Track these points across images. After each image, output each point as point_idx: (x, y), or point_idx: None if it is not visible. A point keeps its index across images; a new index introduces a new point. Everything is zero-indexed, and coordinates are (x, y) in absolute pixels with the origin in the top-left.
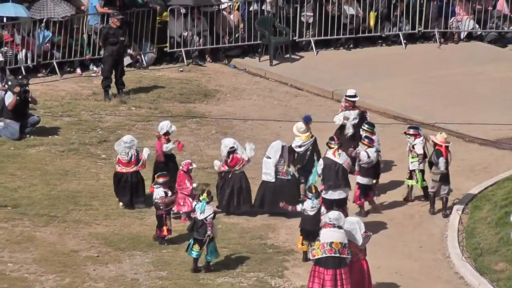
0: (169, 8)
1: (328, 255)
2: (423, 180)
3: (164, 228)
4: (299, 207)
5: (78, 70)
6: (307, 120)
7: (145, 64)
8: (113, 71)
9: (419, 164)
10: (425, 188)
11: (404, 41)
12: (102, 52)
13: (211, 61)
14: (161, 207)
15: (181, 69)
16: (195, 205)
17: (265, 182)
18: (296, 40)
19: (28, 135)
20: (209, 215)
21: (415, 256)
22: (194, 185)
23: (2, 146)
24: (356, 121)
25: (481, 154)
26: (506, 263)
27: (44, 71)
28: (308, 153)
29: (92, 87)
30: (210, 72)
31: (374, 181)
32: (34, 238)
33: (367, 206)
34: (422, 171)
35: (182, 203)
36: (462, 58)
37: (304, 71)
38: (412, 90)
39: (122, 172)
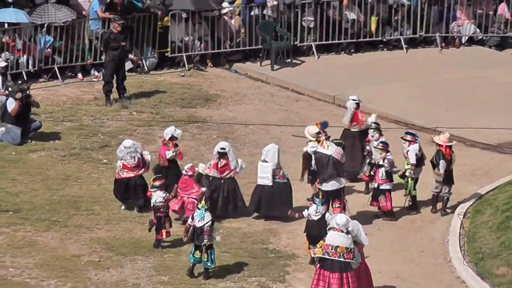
0: (170, 13)
1: (332, 258)
2: (414, 188)
3: (163, 231)
4: (305, 213)
5: (80, 75)
6: (325, 126)
7: (146, 69)
8: (115, 76)
9: (410, 172)
10: (413, 197)
11: (405, 46)
12: (103, 57)
13: (212, 66)
14: (162, 210)
15: (182, 74)
16: (194, 212)
17: (261, 186)
18: (297, 45)
19: (29, 140)
20: (207, 222)
21: (416, 261)
22: (203, 189)
23: (3, 151)
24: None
25: (482, 159)
26: (507, 267)
27: (45, 76)
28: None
29: (93, 92)
30: (212, 77)
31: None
32: (35, 243)
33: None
34: (416, 179)
35: (191, 208)
36: (463, 63)
37: (305, 76)
38: (413, 95)
39: (128, 178)
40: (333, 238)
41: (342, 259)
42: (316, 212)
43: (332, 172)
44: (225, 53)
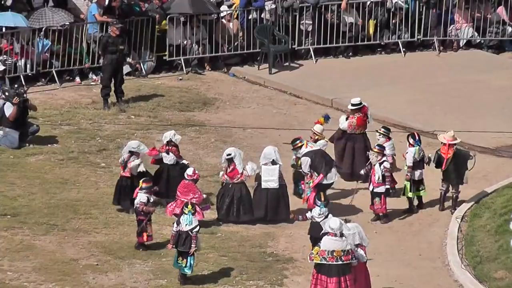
0: (168, 17)
1: (330, 263)
2: (417, 190)
3: (144, 234)
4: (308, 215)
5: (77, 79)
6: (328, 118)
7: (144, 72)
8: (113, 79)
9: (408, 174)
10: (409, 199)
11: (403, 49)
12: (101, 60)
13: (210, 69)
14: (142, 213)
15: (180, 78)
16: (180, 217)
17: (267, 190)
18: (295, 48)
19: (27, 144)
20: (195, 227)
21: (414, 264)
22: (204, 195)
23: (1, 155)
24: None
25: (480, 162)
26: (505, 271)
27: (43, 79)
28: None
29: (91, 95)
30: (209, 81)
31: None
32: (33, 246)
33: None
34: (416, 181)
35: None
36: (461, 66)
37: (303, 79)
38: (411, 98)
39: (121, 176)
40: (328, 244)
41: (340, 262)
42: (320, 214)
43: (328, 164)
44: (223, 57)
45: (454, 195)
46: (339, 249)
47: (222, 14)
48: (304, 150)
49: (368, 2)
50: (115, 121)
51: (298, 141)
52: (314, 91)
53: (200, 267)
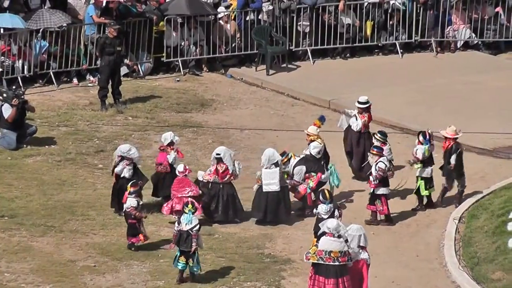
0: (165, 18)
1: (327, 263)
2: (425, 188)
3: (141, 235)
4: (314, 211)
5: (75, 80)
6: (323, 120)
7: (141, 73)
8: (110, 81)
9: (419, 171)
10: (420, 197)
11: (401, 50)
12: (98, 62)
13: (207, 70)
14: (133, 216)
15: (178, 79)
16: (180, 217)
17: (266, 193)
18: (293, 50)
19: (25, 145)
20: (195, 226)
21: (412, 265)
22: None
23: None
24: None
25: (478, 163)
26: (503, 272)
27: (40, 81)
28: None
29: (88, 97)
30: (207, 82)
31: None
32: (31, 248)
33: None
34: (427, 179)
35: None
36: (458, 67)
37: (300, 81)
38: (409, 99)
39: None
40: (326, 244)
41: (337, 263)
42: (326, 211)
43: (320, 164)
44: (221, 58)
45: (460, 190)
46: (337, 250)
47: (219, 15)
48: (293, 161)
49: (366, 3)
50: (112, 123)
51: (284, 157)
52: (312, 93)
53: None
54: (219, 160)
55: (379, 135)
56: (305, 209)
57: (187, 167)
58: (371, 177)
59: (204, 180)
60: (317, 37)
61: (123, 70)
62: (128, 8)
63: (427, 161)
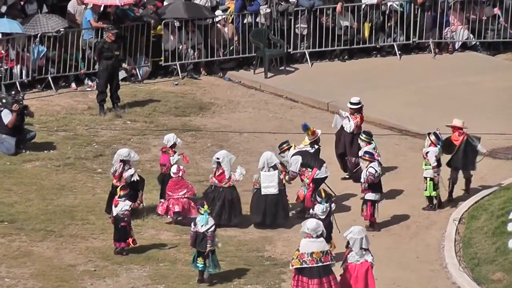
0: (163, 22)
1: (310, 265)
2: (434, 189)
3: (130, 239)
4: (311, 211)
5: (73, 85)
6: (306, 127)
7: (140, 78)
8: (108, 85)
9: (436, 174)
10: (430, 197)
11: (399, 52)
12: (97, 66)
13: (206, 74)
14: (125, 219)
15: (176, 83)
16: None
17: (265, 196)
18: (291, 52)
19: (24, 150)
20: (211, 227)
21: (412, 267)
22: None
23: None
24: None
25: (477, 164)
26: (503, 272)
27: (39, 86)
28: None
29: (87, 101)
30: (205, 85)
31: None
32: (31, 253)
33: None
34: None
35: (187, 208)
36: (457, 68)
37: (299, 83)
38: (407, 101)
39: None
40: (307, 246)
41: (320, 264)
42: (323, 212)
43: (319, 159)
44: (219, 61)
45: (466, 179)
46: (318, 250)
47: (217, 19)
48: (292, 152)
49: (363, 5)
50: (111, 127)
51: (285, 144)
52: (310, 95)
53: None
54: (218, 164)
55: (364, 135)
56: (305, 212)
57: (181, 168)
58: (363, 185)
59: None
60: (315, 39)
61: (122, 74)
62: (125, 12)
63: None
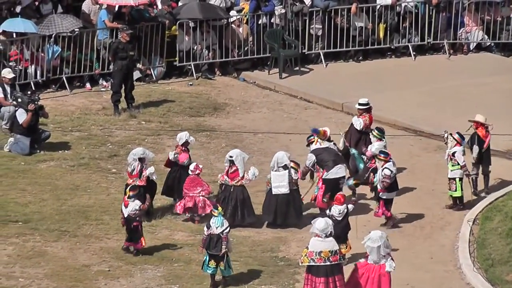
0: (178, 22)
1: (318, 264)
2: (462, 188)
3: (142, 239)
4: (328, 212)
5: (88, 85)
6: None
7: (154, 78)
8: (123, 85)
9: (466, 173)
10: (460, 198)
11: (413, 53)
12: (111, 66)
13: (220, 74)
14: (137, 218)
15: (191, 83)
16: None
17: (276, 196)
18: (305, 53)
19: (38, 151)
20: (226, 228)
21: (426, 268)
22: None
23: (12, 161)
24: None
25: (491, 165)
26: None
27: (53, 86)
28: None
29: (101, 101)
30: (220, 86)
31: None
32: (45, 253)
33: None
34: (461, 179)
35: (202, 205)
36: (471, 69)
37: (313, 84)
38: (421, 102)
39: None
40: (315, 245)
41: (328, 263)
42: (339, 213)
43: (337, 159)
44: (233, 62)
45: (486, 175)
46: (327, 250)
47: (232, 19)
48: (313, 146)
49: (378, 6)
50: (125, 127)
51: (311, 137)
52: (325, 96)
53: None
54: (232, 162)
55: (376, 131)
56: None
57: (199, 166)
58: (379, 185)
59: (218, 182)
60: (330, 40)
61: (136, 74)
62: (141, 13)
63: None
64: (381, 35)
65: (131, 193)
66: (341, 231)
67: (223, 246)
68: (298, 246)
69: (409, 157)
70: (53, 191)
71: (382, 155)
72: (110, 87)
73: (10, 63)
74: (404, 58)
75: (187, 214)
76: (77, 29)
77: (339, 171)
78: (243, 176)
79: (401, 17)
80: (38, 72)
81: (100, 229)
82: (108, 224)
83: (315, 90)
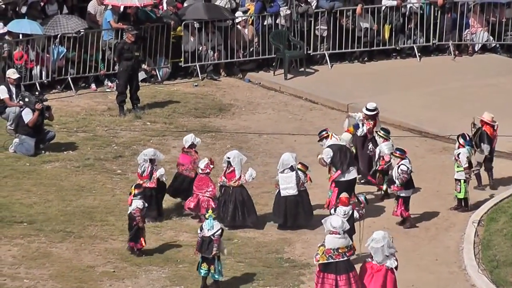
0: (183, 23)
1: (336, 260)
2: (466, 191)
3: (142, 239)
4: (332, 211)
5: (93, 86)
6: (358, 127)
7: (159, 79)
8: (128, 86)
9: (467, 177)
10: (465, 199)
11: (419, 54)
12: (116, 67)
13: (225, 75)
14: (138, 218)
15: (196, 84)
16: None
17: (285, 197)
18: (311, 54)
19: (43, 151)
20: (217, 231)
21: (431, 269)
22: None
23: (17, 162)
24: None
25: (496, 166)
26: None
27: (59, 87)
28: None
29: (107, 102)
30: (225, 86)
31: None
32: (50, 254)
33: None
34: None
35: (205, 206)
36: (476, 70)
37: (318, 85)
38: (427, 103)
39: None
40: (333, 242)
41: (345, 258)
42: (345, 214)
43: (351, 162)
44: (239, 63)
45: (490, 171)
46: (344, 246)
47: (237, 20)
48: (329, 142)
49: (383, 7)
50: (130, 128)
51: (324, 132)
52: (330, 96)
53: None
54: (229, 163)
55: (382, 131)
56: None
57: (210, 166)
58: (396, 181)
59: (218, 184)
60: (335, 41)
61: (141, 75)
62: (147, 14)
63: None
64: (386, 36)
65: (136, 191)
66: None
67: (214, 249)
68: (303, 247)
69: (414, 159)
70: (58, 192)
71: (398, 152)
72: (115, 87)
73: (18, 64)
74: (409, 59)
75: (191, 212)
76: (83, 30)
77: (351, 173)
78: (240, 177)
79: (406, 18)
80: (44, 73)
81: (105, 230)
82: (113, 225)
83: (320, 91)
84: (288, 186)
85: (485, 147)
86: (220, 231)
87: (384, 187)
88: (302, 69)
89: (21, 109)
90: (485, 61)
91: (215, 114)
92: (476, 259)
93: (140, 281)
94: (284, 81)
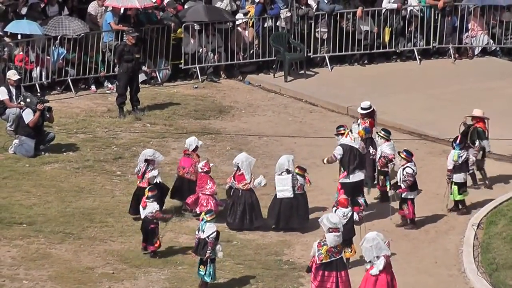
0: (183, 25)
1: (336, 258)
2: (459, 193)
3: (158, 241)
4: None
5: (93, 87)
6: (368, 131)
7: (159, 80)
8: (128, 88)
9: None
10: (459, 202)
11: (419, 57)
12: (116, 69)
13: (225, 77)
14: (155, 221)
15: (196, 86)
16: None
17: (280, 199)
18: (311, 56)
19: (43, 153)
20: (211, 234)
21: (430, 272)
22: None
23: (17, 163)
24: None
25: (496, 169)
26: None
27: (58, 88)
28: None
29: (107, 104)
30: (225, 89)
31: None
32: (49, 255)
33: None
34: (460, 184)
35: (205, 204)
36: (476, 74)
37: (318, 87)
38: (427, 106)
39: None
40: (334, 240)
41: (341, 255)
42: (344, 216)
43: (360, 164)
44: (239, 65)
45: (482, 170)
46: (340, 243)
47: (237, 22)
48: (343, 139)
49: (384, 10)
50: (130, 130)
51: (341, 128)
52: (330, 99)
53: (216, 275)
54: (238, 167)
55: (383, 132)
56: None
57: (209, 164)
58: (402, 184)
59: (226, 186)
60: (335, 43)
61: (141, 77)
62: (149, 16)
63: (459, 166)
64: (387, 39)
65: (149, 194)
66: (345, 235)
67: (208, 251)
68: (303, 249)
69: (414, 161)
70: (57, 193)
71: (405, 153)
72: (115, 89)
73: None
74: (409, 62)
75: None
76: (83, 33)
77: (357, 175)
78: (250, 181)
79: (406, 21)
80: (43, 74)
81: (104, 231)
82: (112, 227)
83: (320, 93)
84: (284, 189)
85: (485, 143)
86: (215, 234)
87: (388, 188)
88: (302, 71)
89: (21, 110)
90: (485, 64)
91: (215, 116)
92: (475, 262)
93: (139, 282)
94: (284, 83)
